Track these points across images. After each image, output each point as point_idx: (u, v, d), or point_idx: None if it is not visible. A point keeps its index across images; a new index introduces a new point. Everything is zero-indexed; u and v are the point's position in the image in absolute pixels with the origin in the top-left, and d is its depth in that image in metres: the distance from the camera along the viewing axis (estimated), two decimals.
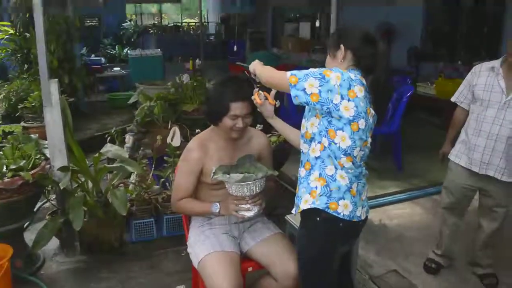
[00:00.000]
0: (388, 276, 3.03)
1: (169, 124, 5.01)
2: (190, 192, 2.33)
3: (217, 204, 2.25)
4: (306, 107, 1.98)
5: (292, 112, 5.37)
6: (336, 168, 1.92)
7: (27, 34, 7.23)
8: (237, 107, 2.18)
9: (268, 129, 3.48)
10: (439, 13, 8.24)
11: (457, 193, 2.92)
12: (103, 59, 11.00)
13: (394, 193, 4.35)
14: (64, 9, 7.15)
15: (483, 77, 2.76)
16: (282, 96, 4.81)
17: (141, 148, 4.47)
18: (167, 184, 3.74)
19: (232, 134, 2.27)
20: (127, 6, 17.96)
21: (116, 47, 12.94)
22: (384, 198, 4.24)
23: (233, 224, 2.39)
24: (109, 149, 3.29)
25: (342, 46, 1.95)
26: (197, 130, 4.19)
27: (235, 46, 7.49)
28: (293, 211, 2.07)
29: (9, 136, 3.32)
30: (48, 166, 3.19)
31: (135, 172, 3.66)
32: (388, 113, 5.30)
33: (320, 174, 1.93)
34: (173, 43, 13.84)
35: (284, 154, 3.92)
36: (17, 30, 7.23)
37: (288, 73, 1.85)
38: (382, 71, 1.99)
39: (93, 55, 11.50)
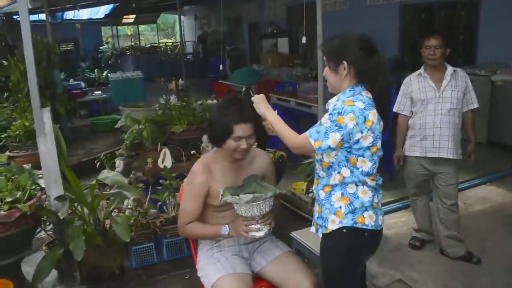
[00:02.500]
0: (394, 286, 3.05)
1: (159, 146, 4.98)
2: (197, 216, 2.31)
3: (226, 226, 2.23)
4: (317, 126, 1.95)
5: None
6: (357, 185, 1.97)
7: (4, 62, 7.14)
8: (240, 129, 2.18)
9: (262, 147, 3.50)
10: (414, 23, 8.45)
11: (417, 180, 3.44)
12: (82, 83, 10.91)
13: (388, 202, 4.40)
14: (42, 34, 7.08)
15: (415, 83, 3.32)
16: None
17: (132, 172, 4.43)
18: (164, 207, 3.70)
19: (236, 155, 2.27)
20: (102, 29, 17.93)
21: (95, 70, 12.85)
22: None
23: (242, 245, 2.38)
24: (107, 175, 3.25)
25: (344, 62, 1.93)
26: (192, 152, 4.18)
27: (220, 65, 7.52)
28: (312, 229, 2.10)
29: (1, 167, 3.25)
30: (44, 196, 3.13)
31: (131, 198, 3.62)
32: None
33: (342, 194, 1.98)
34: (152, 64, 13.87)
35: (280, 171, 3.93)
36: None
37: (310, 139, 1.88)
38: (385, 79, 1.99)
39: (71, 80, 11.40)
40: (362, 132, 1.87)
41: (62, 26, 12.88)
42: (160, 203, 3.69)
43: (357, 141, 1.89)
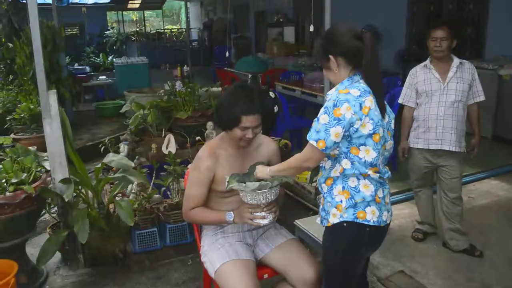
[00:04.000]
0: (395, 277, 3.06)
1: (163, 132, 4.99)
2: (202, 201, 2.32)
3: (231, 212, 2.24)
4: (314, 125, 1.92)
5: (286, 117, 5.40)
6: (358, 179, 1.93)
7: (10, 45, 7.11)
8: (248, 120, 2.17)
9: (267, 134, 3.51)
10: (422, 15, 8.39)
11: (421, 172, 3.46)
12: (87, 68, 10.89)
13: (392, 194, 4.35)
14: (48, 18, 7.05)
15: (421, 75, 3.32)
16: (274, 102, 4.84)
17: (136, 157, 4.44)
18: (168, 193, 3.71)
19: (241, 143, 2.26)
20: (108, 14, 17.85)
21: (100, 55, 12.82)
22: None
23: (246, 231, 2.38)
24: (112, 158, 3.25)
25: (331, 56, 1.94)
26: (197, 138, 4.19)
27: (226, 52, 7.50)
28: (317, 220, 2.10)
29: (7, 149, 3.26)
30: (49, 178, 3.14)
31: (135, 182, 3.63)
32: None
33: (343, 188, 1.95)
34: (157, 50, 13.83)
35: (284, 160, 3.92)
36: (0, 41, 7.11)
37: (312, 142, 1.86)
38: (372, 60, 1.88)
39: (76, 64, 11.39)
40: (361, 119, 1.83)
41: (68, 9, 12.81)
42: (164, 188, 3.70)
43: (357, 130, 1.84)
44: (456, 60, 3.25)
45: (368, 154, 1.89)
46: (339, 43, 1.90)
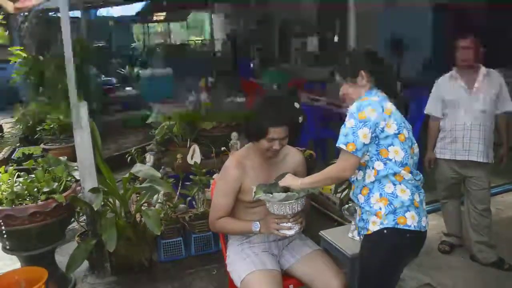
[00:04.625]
0: None
1: (188, 142, 5.05)
2: (229, 211, 2.34)
3: (257, 223, 2.26)
4: (342, 131, 2.01)
5: (310, 127, 5.41)
6: (394, 184, 1.96)
7: (41, 57, 7.33)
8: (275, 132, 2.20)
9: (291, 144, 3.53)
10: (449, 24, 8.29)
11: (448, 183, 3.43)
12: (114, 80, 11.10)
13: None
14: (76, 30, 7.26)
15: (447, 85, 3.31)
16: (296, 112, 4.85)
17: (162, 167, 4.50)
18: (193, 202, 3.76)
19: (268, 154, 2.29)
20: (134, 26, 18.21)
21: (127, 67, 13.06)
22: None
23: (272, 241, 2.40)
24: (140, 168, 3.32)
25: (362, 71, 2.05)
26: (222, 148, 4.23)
27: (250, 63, 7.56)
28: (354, 234, 2.22)
29: (39, 159, 3.36)
30: (78, 188, 3.22)
31: (161, 192, 3.68)
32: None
33: (380, 195, 1.97)
34: (182, 62, 13.95)
35: (309, 170, 3.92)
36: (31, 54, 7.32)
37: (342, 146, 1.93)
38: (395, 83, 2.15)
39: (103, 76, 11.61)
40: (385, 120, 1.92)
41: (95, 23, 13.14)
42: (189, 198, 3.74)
43: (383, 130, 1.92)
44: (483, 69, 3.23)
45: (398, 154, 1.94)
46: (370, 63, 2.07)
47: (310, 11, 12.04)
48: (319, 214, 4.22)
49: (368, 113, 1.91)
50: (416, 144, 2.07)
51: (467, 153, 3.21)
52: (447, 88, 3.29)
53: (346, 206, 2.73)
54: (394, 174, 1.94)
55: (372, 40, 6.77)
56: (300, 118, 4.31)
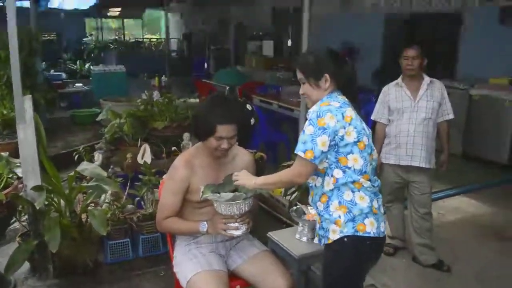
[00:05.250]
0: None
1: (139, 141, 4.96)
2: (176, 211, 2.33)
3: (205, 223, 2.25)
4: (300, 138, 1.96)
5: (262, 130, 5.45)
6: (353, 192, 1.96)
7: None
8: (223, 130, 2.19)
9: (243, 145, 3.54)
10: (397, 34, 8.59)
11: (392, 187, 3.52)
12: (63, 75, 10.76)
13: None
14: (24, 22, 6.96)
15: (393, 92, 3.41)
16: (250, 115, 4.88)
17: (111, 166, 4.40)
18: (142, 203, 3.69)
19: (216, 153, 2.29)
20: (86, 21, 17.71)
21: (77, 62, 12.70)
22: None
23: (219, 242, 2.40)
24: (86, 167, 3.22)
25: (326, 75, 2.00)
26: (173, 148, 4.18)
27: (205, 63, 7.52)
28: (315, 240, 2.11)
29: None
30: (20, 185, 3.09)
31: (109, 191, 3.59)
32: None
33: (339, 203, 1.96)
34: (136, 59, 13.75)
35: (260, 172, 3.95)
36: None
37: (300, 153, 1.89)
38: (356, 87, 2.11)
39: (52, 70, 11.24)
40: (344, 128, 1.89)
41: (46, 14, 12.68)
42: (138, 198, 3.68)
43: (342, 138, 1.90)
44: (426, 79, 3.36)
45: (357, 162, 1.93)
46: (334, 66, 2.01)
47: (266, 14, 12.15)
48: (268, 216, 4.26)
49: (327, 120, 1.88)
50: (375, 150, 2.07)
51: (410, 158, 3.33)
52: (392, 95, 3.40)
53: (295, 208, 2.76)
54: (353, 182, 1.94)
55: (325, 45, 6.87)
56: (252, 120, 4.33)
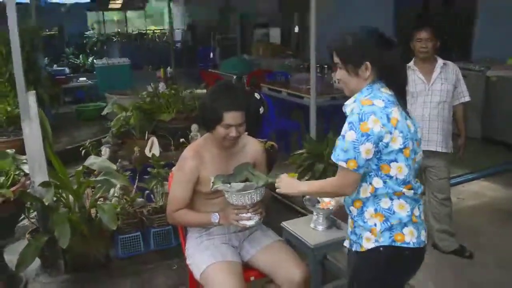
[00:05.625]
0: None
1: (146, 134, 4.98)
2: (187, 203, 2.34)
3: (217, 214, 2.26)
4: (340, 145, 1.74)
5: (272, 118, 5.44)
6: (392, 199, 1.78)
7: None
8: (230, 117, 2.19)
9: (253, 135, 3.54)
10: (408, 18, 8.50)
11: None
12: (67, 70, 10.82)
13: None
14: (25, 17, 7.00)
15: None
16: (259, 104, 4.87)
17: (119, 160, 4.42)
18: (151, 196, 3.71)
19: (225, 142, 2.29)
20: (88, 14, 17.75)
21: (80, 56, 12.75)
22: None
23: (232, 233, 2.41)
24: (94, 161, 3.25)
25: (367, 63, 1.76)
26: (181, 140, 4.19)
27: (211, 53, 7.52)
28: (345, 243, 1.96)
29: None
30: (28, 182, 3.12)
31: (117, 185, 3.62)
32: None
33: (375, 210, 1.79)
34: (139, 51, 13.79)
35: (271, 161, 3.95)
36: None
37: (341, 164, 1.71)
38: (405, 72, 1.86)
39: (55, 65, 11.30)
40: (390, 133, 1.69)
41: (46, 9, 12.72)
42: (147, 191, 3.70)
43: (387, 144, 1.70)
44: (440, 61, 3.33)
45: (401, 171, 1.75)
46: (378, 52, 1.76)
47: (272, 0, 12.09)
48: (282, 205, 4.26)
49: (371, 124, 1.66)
50: (420, 152, 1.86)
51: (426, 143, 3.29)
52: None
53: (308, 196, 2.76)
54: (394, 192, 1.76)
55: (335, 31, 6.82)
56: (261, 108, 4.33)
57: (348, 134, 1.70)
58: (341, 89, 2.00)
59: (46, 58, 10.82)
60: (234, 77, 6.75)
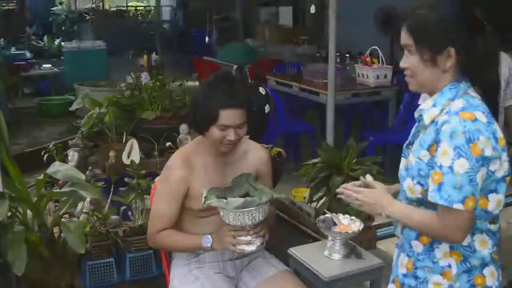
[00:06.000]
0: None
1: (124, 136, 5.00)
2: (173, 222, 2.35)
3: (209, 236, 2.27)
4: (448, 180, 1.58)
5: (280, 119, 5.46)
6: (473, 234, 1.69)
7: None
8: (227, 116, 2.19)
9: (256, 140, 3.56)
10: None
11: None
12: (27, 54, 10.88)
13: None
14: None
15: None
16: (265, 101, 4.89)
17: (89, 168, 4.45)
18: (129, 213, 3.73)
19: (222, 148, 2.29)
20: None
21: (45, 38, 12.82)
22: None
23: (227, 261, 2.42)
24: (58, 169, 3.25)
25: (451, 49, 1.63)
26: (167, 144, 4.22)
27: (206, 37, 7.56)
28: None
29: None
30: None
31: (87, 199, 3.64)
32: (398, 118, 5.45)
33: (451, 248, 1.70)
34: (118, 33, 13.86)
35: (277, 173, 3.97)
36: None
37: (455, 205, 1.56)
38: (497, 68, 1.72)
39: (13, 48, 11.36)
40: (500, 158, 1.60)
41: None
42: (124, 207, 3.71)
43: (493, 173, 1.61)
44: None
45: (499, 205, 1.67)
46: (467, 37, 1.63)
47: None
48: (290, 227, 4.28)
49: (482, 145, 1.54)
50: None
51: None
52: None
53: (322, 217, 2.77)
54: (477, 228, 1.69)
55: (358, 12, 6.86)
56: (266, 107, 4.35)
57: (457, 163, 1.55)
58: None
59: (2, 39, 10.91)
60: (234, 67, 6.77)
